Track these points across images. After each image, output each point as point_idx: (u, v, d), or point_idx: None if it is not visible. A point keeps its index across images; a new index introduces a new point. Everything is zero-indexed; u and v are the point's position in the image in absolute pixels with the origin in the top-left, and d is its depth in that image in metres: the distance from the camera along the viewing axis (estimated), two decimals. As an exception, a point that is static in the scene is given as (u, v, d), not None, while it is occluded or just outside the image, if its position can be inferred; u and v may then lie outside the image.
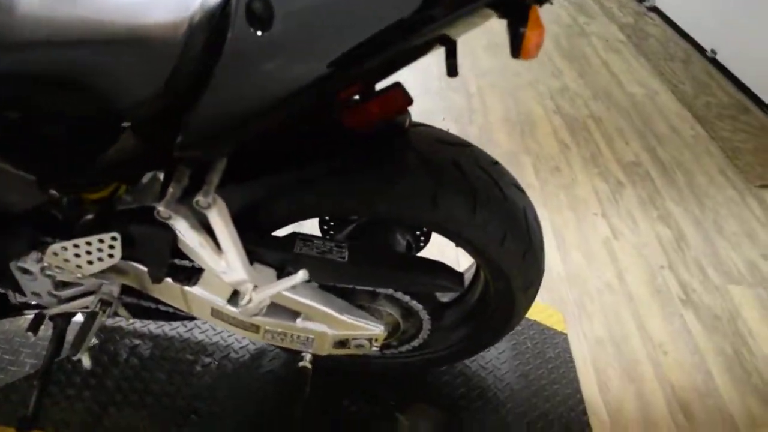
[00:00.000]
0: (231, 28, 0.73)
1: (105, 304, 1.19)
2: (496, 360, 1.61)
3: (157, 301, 1.23)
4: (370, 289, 1.17)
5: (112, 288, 1.19)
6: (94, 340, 1.60)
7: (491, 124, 2.77)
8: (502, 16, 0.78)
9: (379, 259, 1.13)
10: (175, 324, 1.63)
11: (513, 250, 1.11)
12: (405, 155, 1.03)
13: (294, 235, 1.12)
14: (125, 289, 1.21)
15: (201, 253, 0.99)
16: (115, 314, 1.26)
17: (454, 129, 2.69)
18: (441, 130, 1.12)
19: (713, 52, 3.56)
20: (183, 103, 0.79)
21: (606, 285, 1.94)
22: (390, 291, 1.17)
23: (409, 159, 1.03)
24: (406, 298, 1.18)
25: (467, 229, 1.06)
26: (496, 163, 1.13)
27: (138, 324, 1.63)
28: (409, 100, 0.95)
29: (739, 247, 2.16)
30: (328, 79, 0.75)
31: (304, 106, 0.80)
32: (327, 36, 0.73)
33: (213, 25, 0.74)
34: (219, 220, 0.94)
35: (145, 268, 1.12)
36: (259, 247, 1.09)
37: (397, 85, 0.95)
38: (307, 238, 1.11)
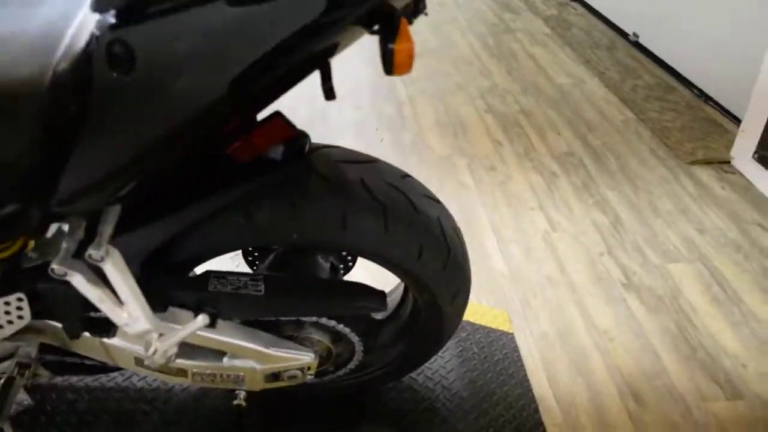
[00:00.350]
0: (94, 74, 0.70)
1: (23, 367, 1.15)
2: (442, 369, 1.60)
3: (81, 356, 1.19)
4: (294, 318, 1.15)
5: (29, 349, 1.15)
6: (29, 401, 1.54)
7: (424, 129, 2.77)
8: (372, 32, 0.77)
9: (297, 288, 1.11)
10: (113, 374, 1.57)
11: (432, 263, 1.10)
12: (308, 180, 1.01)
13: (208, 274, 1.09)
14: (46, 348, 1.17)
15: (102, 308, 0.95)
16: (35, 375, 1.21)
17: (387, 138, 2.69)
18: (344, 149, 1.10)
19: (635, 35, 3.63)
20: (58, 155, 0.76)
21: (547, 278, 1.95)
22: (314, 318, 1.14)
23: (312, 183, 1.01)
24: (332, 323, 1.16)
25: (381, 247, 1.05)
26: (406, 175, 1.12)
27: (74, 379, 1.57)
28: (291, 128, 0.93)
29: (674, 224, 2.19)
30: (200, 117, 0.73)
31: (182, 145, 0.77)
32: (193, 73, 0.70)
33: (78, 71, 0.71)
34: (115, 272, 0.90)
35: (60, 325, 1.08)
36: (172, 289, 1.06)
37: (277, 114, 0.93)
38: (221, 275, 1.08)
